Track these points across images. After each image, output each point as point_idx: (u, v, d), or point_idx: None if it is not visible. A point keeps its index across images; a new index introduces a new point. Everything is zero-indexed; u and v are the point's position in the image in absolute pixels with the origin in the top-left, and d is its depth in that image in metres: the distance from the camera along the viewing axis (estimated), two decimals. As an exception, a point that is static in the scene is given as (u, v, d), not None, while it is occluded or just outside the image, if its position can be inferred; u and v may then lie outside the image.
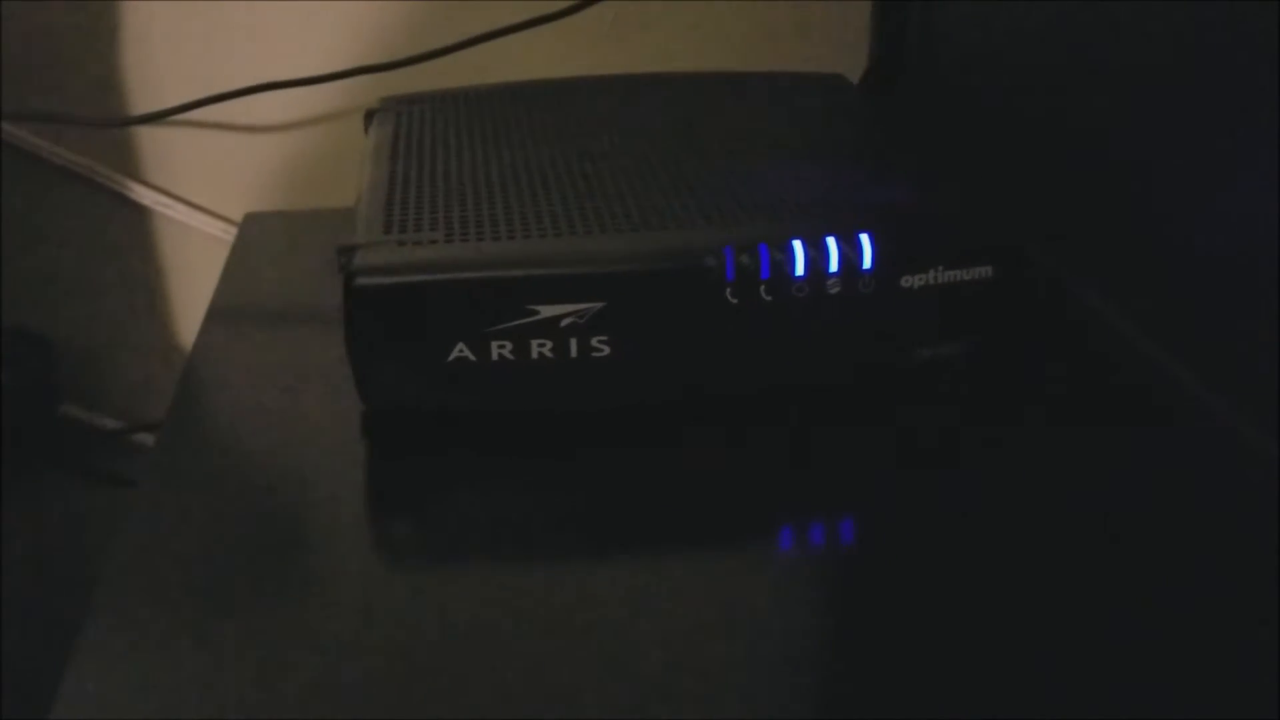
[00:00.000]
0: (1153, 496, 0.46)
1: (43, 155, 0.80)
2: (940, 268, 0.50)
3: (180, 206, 0.83)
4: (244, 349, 0.58)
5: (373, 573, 0.45)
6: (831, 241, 0.49)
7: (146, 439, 0.87)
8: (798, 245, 0.48)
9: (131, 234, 0.83)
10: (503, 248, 0.49)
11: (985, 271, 0.51)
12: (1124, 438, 0.50)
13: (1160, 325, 0.55)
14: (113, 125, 0.80)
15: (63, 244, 0.83)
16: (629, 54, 0.81)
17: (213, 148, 0.81)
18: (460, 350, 0.48)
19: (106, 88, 0.79)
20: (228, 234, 0.81)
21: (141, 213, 0.83)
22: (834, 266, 0.49)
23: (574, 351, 0.48)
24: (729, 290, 0.48)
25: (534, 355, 0.48)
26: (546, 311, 0.47)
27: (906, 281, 0.50)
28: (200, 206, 0.83)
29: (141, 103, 0.80)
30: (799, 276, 0.48)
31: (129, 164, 0.82)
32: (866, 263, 0.49)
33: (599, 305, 0.47)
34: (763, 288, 0.48)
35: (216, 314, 0.61)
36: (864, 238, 0.49)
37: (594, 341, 0.48)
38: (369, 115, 0.65)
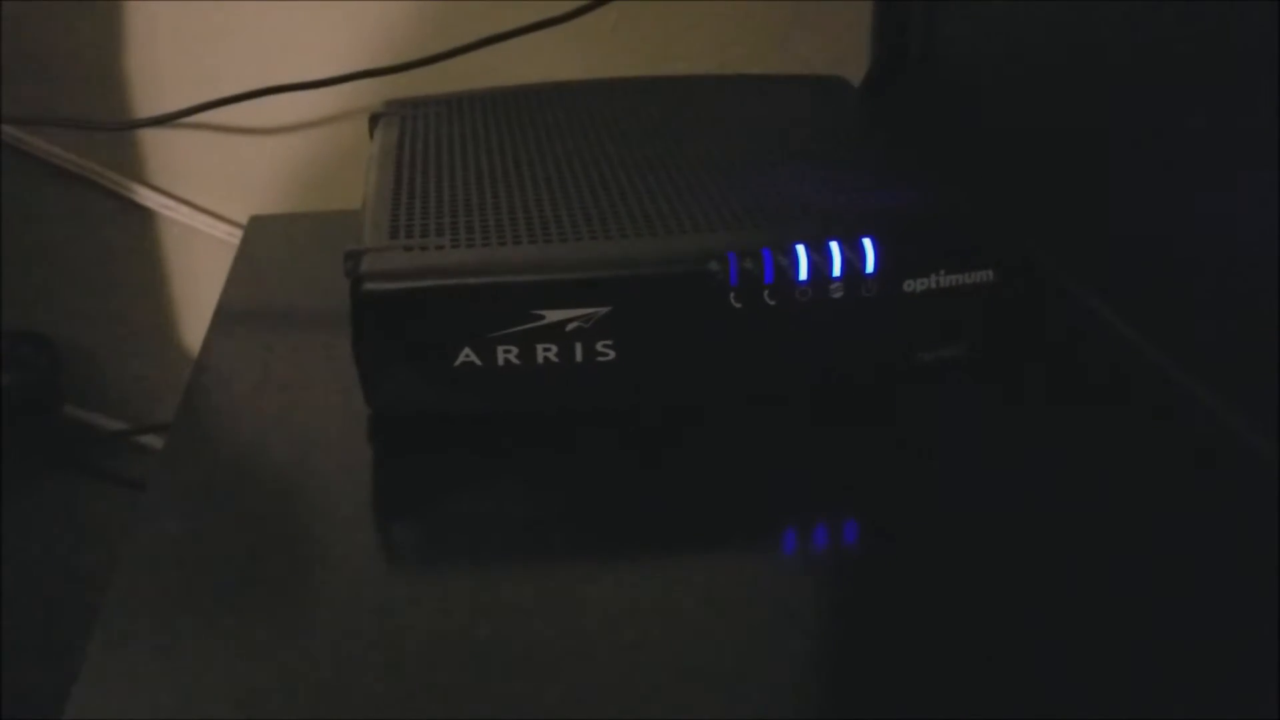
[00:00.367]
0: (1153, 497, 0.47)
1: (47, 158, 0.80)
2: (943, 272, 0.50)
3: (185, 209, 0.83)
4: (251, 352, 0.59)
5: (379, 574, 0.45)
6: (835, 246, 0.49)
7: (149, 440, 0.87)
8: (801, 250, 0.49)
9: (136, 237, 0.83)
10: (508, 253, 0.49)
11: (987, 275, 0.51)
12: (1124, 438, 0.50)
13: (1160, 326, 0.55)
14: (117, 128, 0.80)
15: (66, 247, 0.83)
16: (632, 57, 0.81)
17: (218, 151, 0.82)
18: (466, 355, 0.48)
19: (111, 91, 0.79)
20: (232, 237, 0.82)
21: (146, 216, 0.83)
22: (837, 271, 0.49)
23: (579, 356, 0.48)
24: (733, 295, 0.48)
25: (539, 360, 0.48)
26: (552, 316, 0.48)
27: (909, 286, 0.50)
28: (205, 209, 0.83)
29: (146, 105, 0.80)
30: (802, 281, 0.49)
31: (134, 167, 0.82)
32: (869, 267, 0.49)
33: (604, 310, 0.48)
34: (766, 292, 0.49)
35: (223, 317, 0.61)
36: (867, 242, 0.49)
37: (599, 346, 0.48)
38: (374, 119, 0.65)
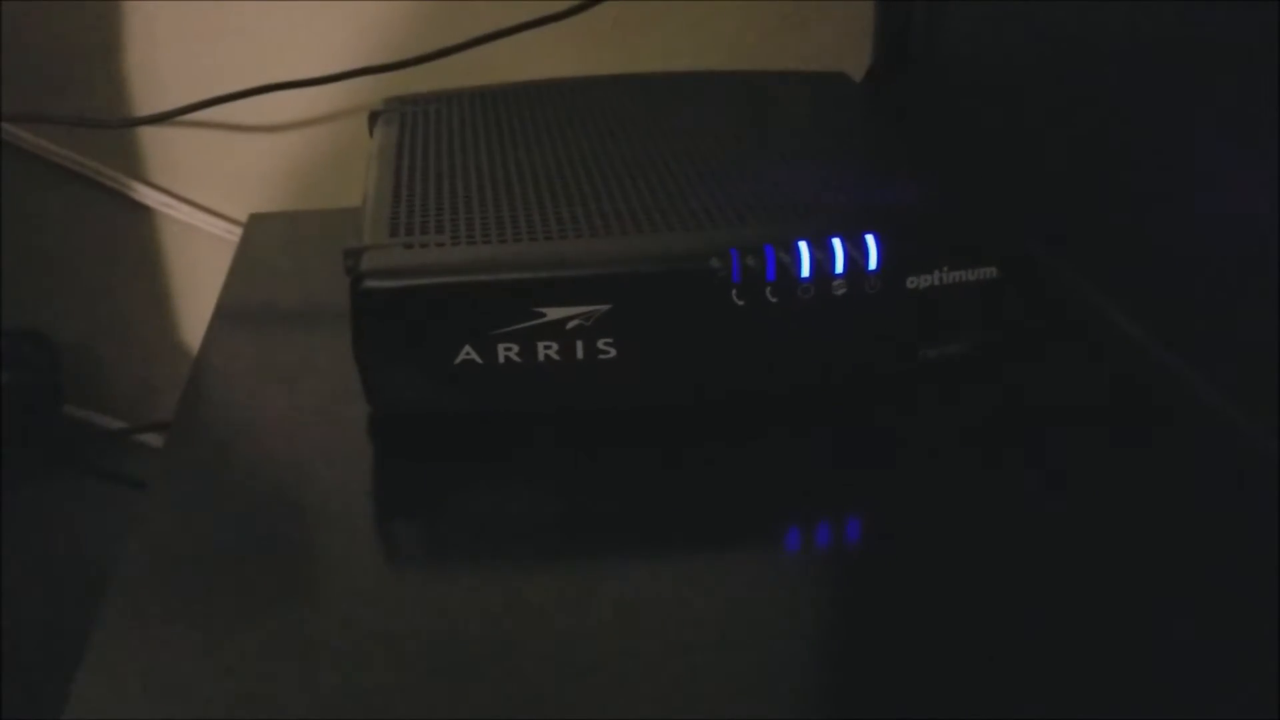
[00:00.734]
0: (1153, 497, 0.46)
1: (47, 156, 0.80)
2: (946, 268, 0.50)
3: (184, 207, 0.83)
4: (251, 350, 0.59)
5: (380, 574, 0.45)
6: (837, 243, 0.49)
7: (149, 439, 0.87)
8: (803, 247, 0.48)
9: (135, 235, 0.83)
10: (508, 250, 0.49)
11: (990, 272, 0.51)
12: (1124, 438, 0.50)
13: (1160, 325, 0.55)
14: (117, 126, 0.80)
15: (66, 245, 0.83)
16: (632, 54, 0.81)
17: (217, 148, 0.82)
18: (467, 353, 0.48)
19: (111, 89, 0.79)
20: (232, 235, 0.82)
21: (146, 213, 0.83)
22: (840, 268, 0.49)
23: (580, 353, 0.48)
24: (735, 292, 0.48)
25: (540, 357, 0.48)
26: (553, 314, 0.48)
27: (912, 282, 0.50)
28: (205, 207, 0.83)
29: (146, 103, 0.80)
30: (805, 278, 0.49)
31: (133, 165, 0.82)
32: (872, 264, 0.49)
33: (605, 307, 0.48)
34: (768, 289, 0.48)
35: (223, 315, 0.61)
36: (870, 239, 0.49)
37: (600, 343, 0.48)
38: (373, 116, 0.65)
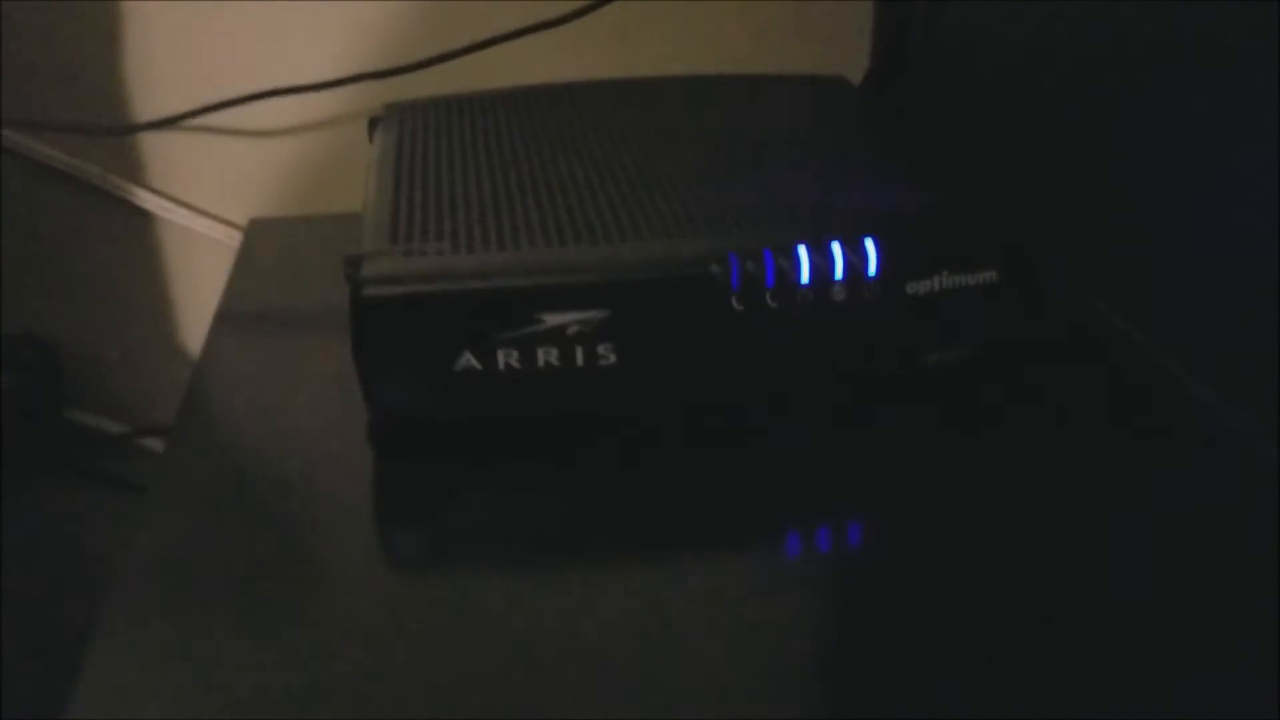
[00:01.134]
0: (1153, 498, 0.47)
1: (47, 162, 0.80)
2: (945, 273, 0.50)
3: (184, 212, 0.83)
4: (251, 355, 0.59)
5: (380, 579, 0.45)
6: (836, 247, 0.49)
7: (149, 443, 0.87)
8: (803, 252, 0.49)
9: (136, 240, 0.83)
10: (509, 257, 0.49)
11: (990, 276, 0.51)
12: (1125, 439, 0.50)
13: (1160, 325, 0.55)
14: (117, 132, 0.80)
15: (66, 249, 0.83)
16: (631, 58, 0.81)
17: (217, 153, 0.82)
18: (467, 359, 0.48)
19: (110, 93, 0.79)
20: (232, 239, 0.82)
21: (146, 218, 0.83)
22: (839, 273, 0.49)
23: (580, 360, 0.48)
24: (734, 298, 0.48)
25: (540, 364, 0.48)
26: (553, 320, 0.48)
27: (912, 287, 0.50)
28: (205, 212, 0.83)
29: (146, 108, 0.80)
30: (804, 283, 0.49)
31: (134, 170, 0.82)
32: (872, 269, 0.49)
33: (605, 314, 0.48)
34: (768, 295, 0.48)
35: (223, 320, 0.61)
36: (869, 244, 0.49)
37: (600, 349, 0.48)
38: (373, 122, 0.65)
